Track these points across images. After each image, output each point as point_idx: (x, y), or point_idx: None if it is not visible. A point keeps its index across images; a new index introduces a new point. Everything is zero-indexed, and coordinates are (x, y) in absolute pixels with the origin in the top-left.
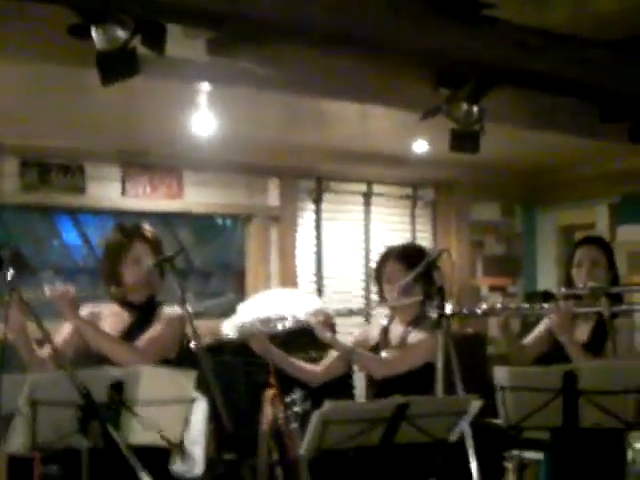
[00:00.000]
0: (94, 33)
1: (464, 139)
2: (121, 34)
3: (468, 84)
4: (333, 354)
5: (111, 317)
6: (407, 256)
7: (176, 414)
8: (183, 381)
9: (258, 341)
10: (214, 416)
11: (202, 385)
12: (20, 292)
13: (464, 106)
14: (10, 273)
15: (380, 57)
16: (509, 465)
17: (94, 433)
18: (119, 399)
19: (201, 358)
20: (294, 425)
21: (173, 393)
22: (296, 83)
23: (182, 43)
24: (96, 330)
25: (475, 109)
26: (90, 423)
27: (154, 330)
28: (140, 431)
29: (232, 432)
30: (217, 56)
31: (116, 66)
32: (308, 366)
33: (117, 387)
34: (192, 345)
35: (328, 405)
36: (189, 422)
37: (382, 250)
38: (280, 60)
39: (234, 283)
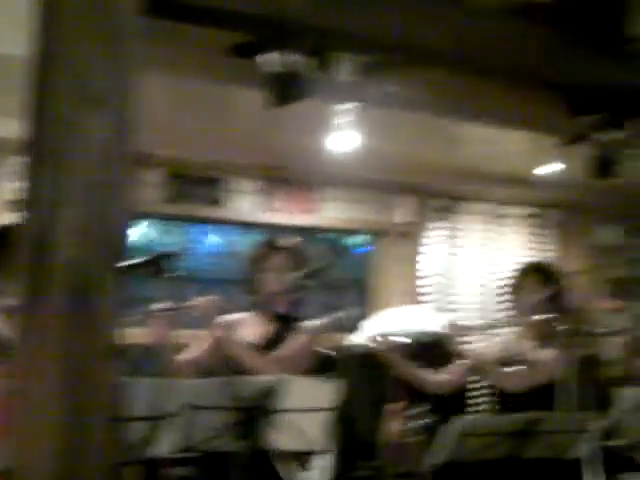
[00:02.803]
0: (267, 57)
1: (605, 166)
2: (294, 59)
3: (610, 113)
4: (456, 365)
5: (251, 326)
6: (546, 272)
7: (319, 422)
8: (328, 391)
9: (388, 351)
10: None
11: None
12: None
13: (606, 134)
14: (173, 282)
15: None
16: None
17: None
18: (267, 405)
19: (342, 367)
20: (417, 438)
21: (318, 402)
22: (437, 105)
23: (339, 66)
24: (238, 343)
25: (616, 137)
26: (245, 427)
27: (293, 343)
28: (283, 437)
29: (371, 440)
30: (367, 78)
31: (288, 90)
32: (432, 376)
33: (266, 394)
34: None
35: (464, 418)
36: (329, 430)
37: (521, 264)
38: (422, 83)
39: (362, 298)
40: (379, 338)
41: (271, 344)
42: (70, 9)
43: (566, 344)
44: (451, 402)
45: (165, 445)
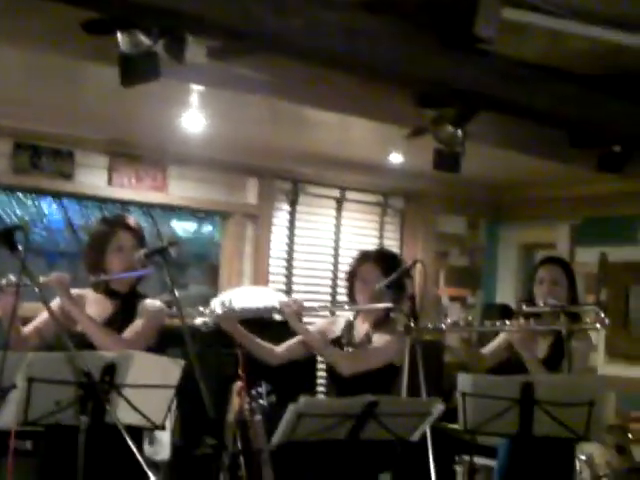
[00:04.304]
0: (119, 37)
1: (447, 159)
2: (145, 40)
3: (454, 108)
4: (295, 338)
5: (94, 304)
6: (384, 261)
7: (161, 399)
8: (171, 368)
9: (227, 320)
10: (180, 403)
11: None
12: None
13: (449, 128)
14: (21, 255)
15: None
16: (459, 469)
17: (89, 411)
18: (110, 380)
19: (187, 344)
20: (258, 417)
21: (161, 379)
22: (285, 90)
23: (188, 48)
24: (88, 318)
25: (459, 132)
26: (88, 401)
27: (138, 323)
28: (125, 412)
29: (214, 418)
30: (215, 61)
31: (138, 69)
32: (269, 345)
33: (109, 369)
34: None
35: (303, 399)
36: (172, 407)
37: (358, 252)
38: (271, 68)
39: (208, 277)
40: (223, 307)
41: (113, 323)
42: None
43: (405, 331)
44: (294, 382)
45: (8, 418)
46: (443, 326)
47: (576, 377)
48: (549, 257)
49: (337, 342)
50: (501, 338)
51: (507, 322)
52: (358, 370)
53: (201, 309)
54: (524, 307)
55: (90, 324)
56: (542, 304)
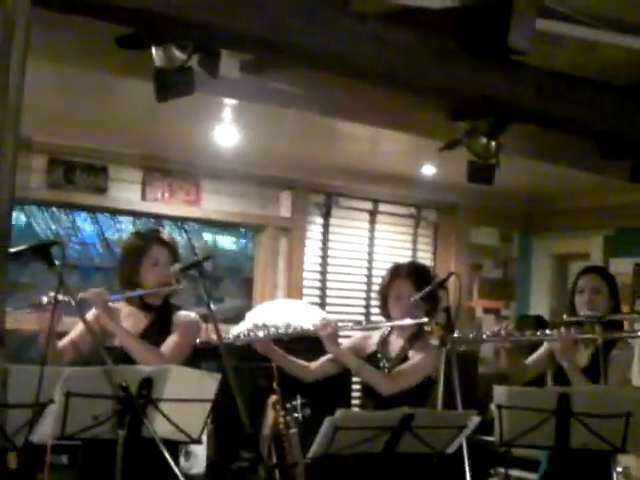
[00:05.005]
0: (153, 51)
1: (481, 171)
2: (180, 55)
3: (487, 120)
4: (328, 355)
5: (129, 317)
6: (416, 274)
7: (198, 412)
8: (208, 382)
9: (260, 341)
10: (215, 416)
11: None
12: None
13: (483, 140)
14: (59, 271)
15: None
16: None
17: (126, 425)
18: (147, 394)
19: (224, 358)
20: (293, 430)
21: (197, 393)
22: (317, 103)
23: (222, 62)
24: (127, 333)
25: (493, 144)
26: (125, 415)
27: (175, 337)
28: (162, 425)
29: (250, 431)
30: (249, 75)
31: (173, 84)
32: (303, 363)
33: (146, 383)
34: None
35: (340, 412)
36: (208, 421)
37: (390, 266)
38: (304, 81)
39: (242, 290)
40: (259, 330)
41: (147, 336)
42: None
43: (440, 344)
44: (328, 395)
45: (45, 432)
46: (484, 336)
47: (613, 388)
48: (589, 267)
49: (373, 357)
50: (544, 348)
51: (548, 332)
52: (397, 390)
53: (235, 333)
54: (564, 316)
55: (129, 339)
56: (583, 313)
